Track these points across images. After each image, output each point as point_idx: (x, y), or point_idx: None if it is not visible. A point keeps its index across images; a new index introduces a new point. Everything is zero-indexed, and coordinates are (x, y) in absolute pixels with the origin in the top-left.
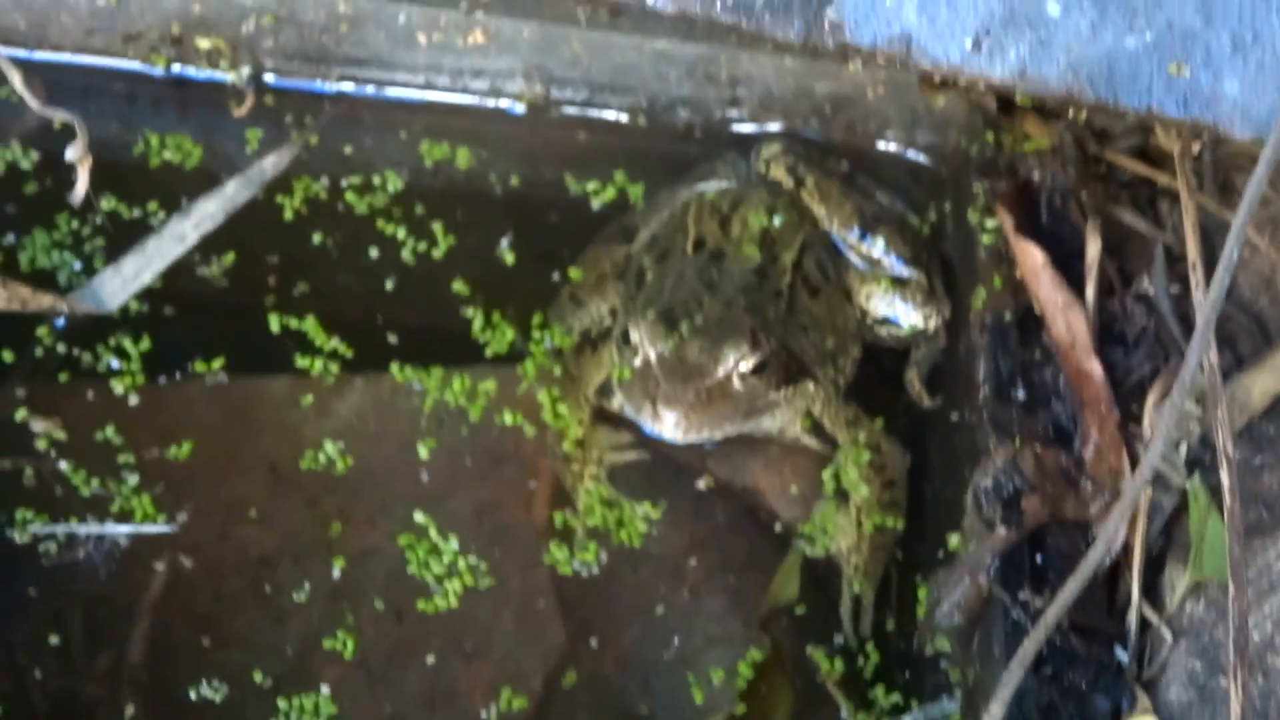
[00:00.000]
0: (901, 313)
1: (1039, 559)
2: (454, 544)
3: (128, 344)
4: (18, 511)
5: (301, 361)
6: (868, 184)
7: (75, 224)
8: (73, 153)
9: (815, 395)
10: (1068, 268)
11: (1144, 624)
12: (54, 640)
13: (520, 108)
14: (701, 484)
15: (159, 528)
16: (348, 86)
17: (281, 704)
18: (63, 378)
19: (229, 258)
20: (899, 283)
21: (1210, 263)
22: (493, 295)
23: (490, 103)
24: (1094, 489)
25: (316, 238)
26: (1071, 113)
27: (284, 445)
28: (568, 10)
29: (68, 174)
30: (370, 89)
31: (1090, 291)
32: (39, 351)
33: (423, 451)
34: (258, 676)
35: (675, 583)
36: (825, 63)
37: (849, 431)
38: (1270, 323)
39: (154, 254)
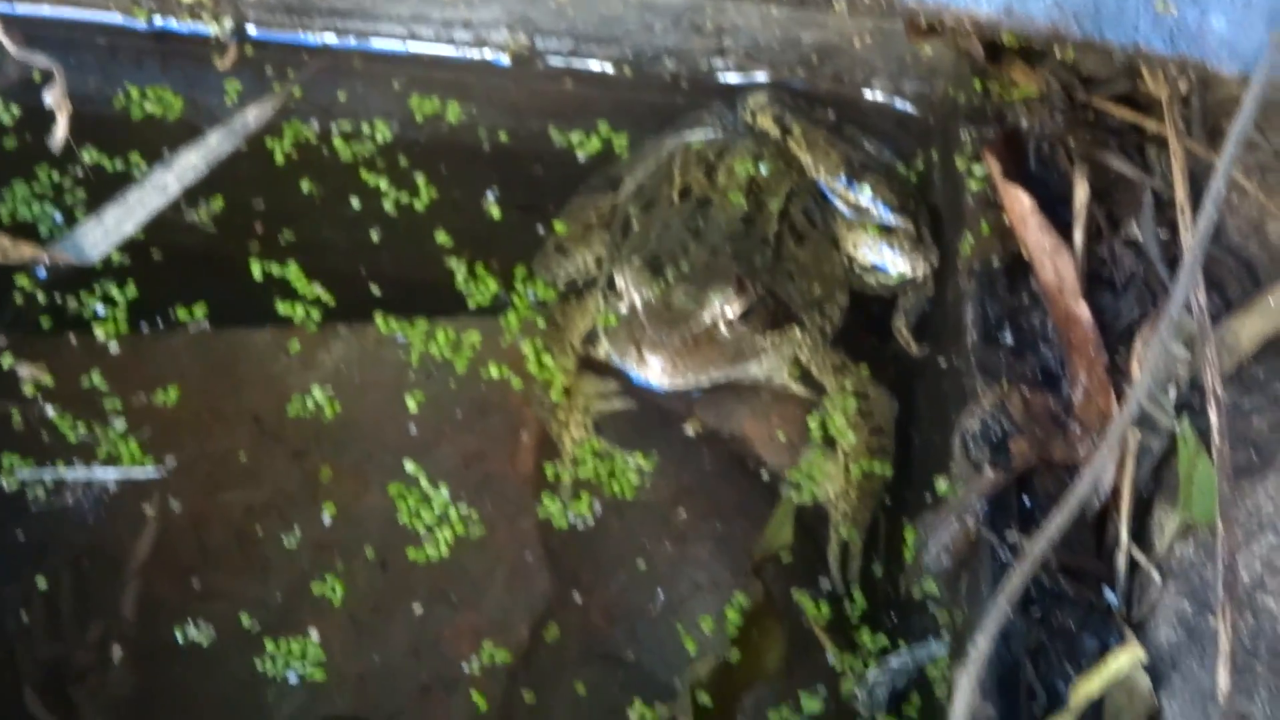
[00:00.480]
0: (889, 260)
1: (1027, 502)
2: (445, 493)
3: (114, 291)
4: (5, 457)
5: (283, 308)
6: (855, 133)
7: (56, 176)
8: (51, 97)
9: (802, 342)
10: (1056, 214)
11: (1133, 566)
12: (41, 585)
13: (505, 59)
14: (689, 429)
15: (147, 471)
16: (331, 38)
17: (269, 647)
18: (45, 323)
19: (218, 202)
20: (887, 230)
21: (1199, 207)
22: (477, 247)
23: (475, 54)
24: (1082, 432)
25: (305, 185)
26: (1058, 53)
27: (269, 398)
28: None
29: (48, 126)
30: (353, 40)
31: (1078, 236)
32: (19, 300)
33: (410, 404)
34: (245, 621)
35: (662, 531)
36: (811, 11)
37: (836, 378)
38: (1259, 267)
39: (136, 205)
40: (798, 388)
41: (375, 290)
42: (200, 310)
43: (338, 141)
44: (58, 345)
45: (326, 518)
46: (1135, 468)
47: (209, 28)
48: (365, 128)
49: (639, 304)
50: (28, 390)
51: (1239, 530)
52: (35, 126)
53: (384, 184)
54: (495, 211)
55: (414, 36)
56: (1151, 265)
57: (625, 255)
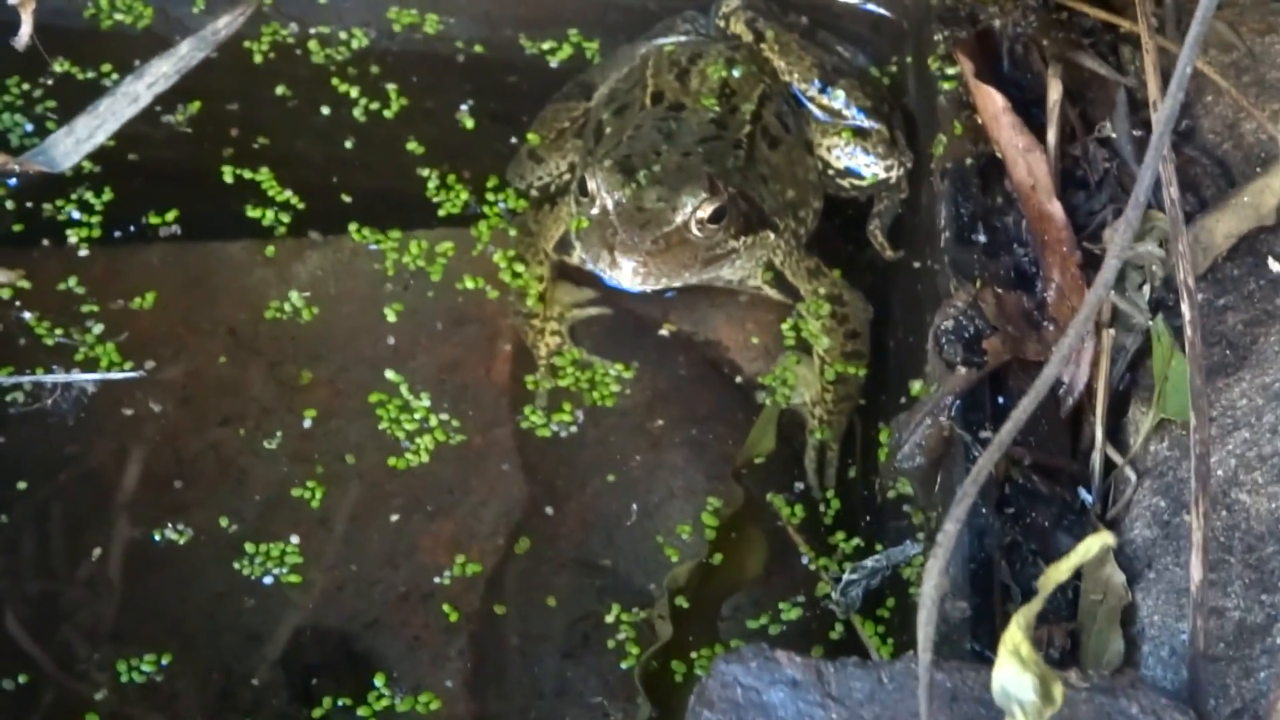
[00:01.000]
0: (863, 164)
1: (1000, 400)
2: (425, 401)
3: (90, 196)
4: None
5: (254, 213)
6: (828, 37)
7: (26, 86)
8: None
9: (775, 245)
10: (1029, 116)
11: (1108, 465)
12: (21, 486)
13: None
14: (664, 331)
15: (125, 374)
16: None
17: (249, 548)
18: (18, 228)
19: (195, 105)
20: (860, 134)
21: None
22: (450, 157)
23: None
24: (1055, 330)
25: (279, 89)
26: None
27: (245, 309)
28: None
29: (13, 33)
30: None
31: (1052, 135)
32: None
33: (389, 314)
34: (224, 522)
35: (637, 437)
36: None
37: (810, 282)
38: (1233, 166)
39: (107, 114)
40: (772, 292)
41: (347, 199)
42: (173, 214)
43: (313, 44)
44: (32, 253)
45: (307, 423)
46: (1110, 366)
47: None
48: (342, 34)
49: (610, 206)
50: (4, 294)
51: (1214, 427)
52: (1, 35)
53: (355, 91)
54: (469, 121)
55: None
56: (1125, 164)
57: (597, 158)
